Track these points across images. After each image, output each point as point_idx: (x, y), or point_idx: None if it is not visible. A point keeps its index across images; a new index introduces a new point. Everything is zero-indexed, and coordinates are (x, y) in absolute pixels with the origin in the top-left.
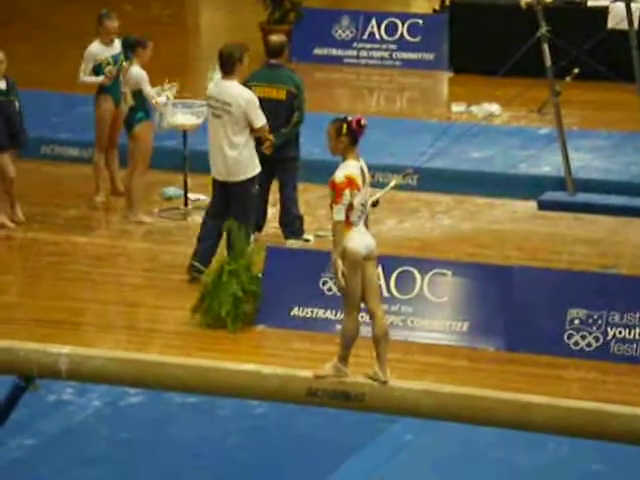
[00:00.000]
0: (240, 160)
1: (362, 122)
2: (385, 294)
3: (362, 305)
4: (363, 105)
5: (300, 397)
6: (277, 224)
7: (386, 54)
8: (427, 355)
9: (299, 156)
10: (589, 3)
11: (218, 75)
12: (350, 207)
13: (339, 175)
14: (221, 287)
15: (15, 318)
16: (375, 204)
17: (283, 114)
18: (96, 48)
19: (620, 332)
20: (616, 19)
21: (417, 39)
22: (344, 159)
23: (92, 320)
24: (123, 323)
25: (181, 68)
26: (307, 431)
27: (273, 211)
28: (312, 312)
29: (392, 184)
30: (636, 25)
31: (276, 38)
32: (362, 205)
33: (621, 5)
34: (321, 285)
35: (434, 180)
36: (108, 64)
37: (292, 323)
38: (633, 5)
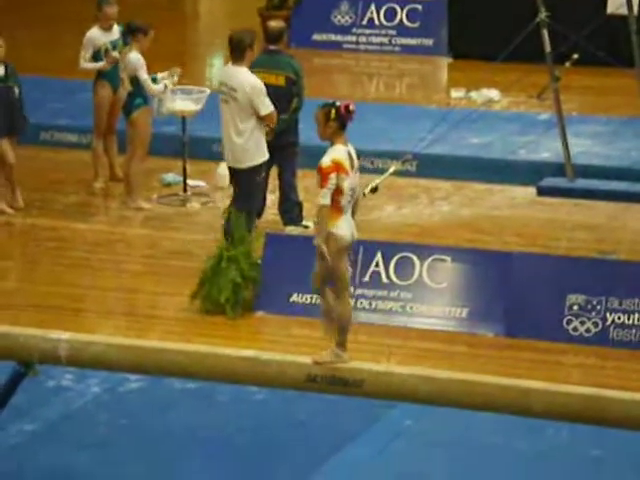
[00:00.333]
0: (246, 147)
1: (350, 107)
2: (384, 280)
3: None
4: (362, 91)
5: (299, 383)
6: (276, 210)
7: (385, 40)
8: (426, 341)
9: (298, 142)
10: None
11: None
12: (340, 191)
13: (326, 160)
14: (220, 273)
15: (14, 304)
16: (374, 190)
17: (282, 100)
18: (95, 34)
19: (619, 318)
20: (615, 4)
21: (416, 25)
22: (332, 144)
23: (91, 306)
24: (122, 309)
25: (180, 54)
26: (306, 417)
27: (272, 197)
28: (311, 298)
29: (391, 170)
30: (635, 10)
31: (275, 24)
32: (351, 190)
33: None
34: None
35: (433, 166)
36: (107, 50)
37: (291, 309)
38: None
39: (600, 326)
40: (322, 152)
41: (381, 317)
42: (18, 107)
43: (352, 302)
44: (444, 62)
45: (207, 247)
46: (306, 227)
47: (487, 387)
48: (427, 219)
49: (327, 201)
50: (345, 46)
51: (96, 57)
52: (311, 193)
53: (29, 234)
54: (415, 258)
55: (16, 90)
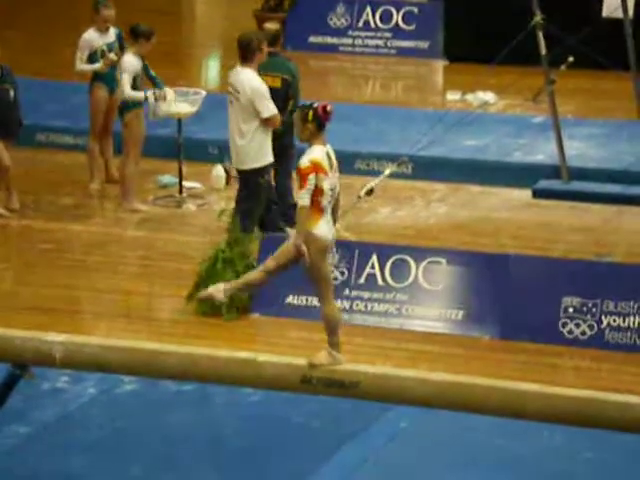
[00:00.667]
0: (248, 149)
1: (328, 108)
2: (380, 282)
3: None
4: (358, 93)
5: (295, 385)
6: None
7: (381, 42)
8: (422, 343)
9: (294, 144)
10: None
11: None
12: (320, 192)
13: (304, 160)
14: (216, 275)
15: (10, 306)
16: (370, 192)
17: (279, 102)
18: (91, 36)
19: (614, 320)
20: (611, 7)
21: (412, 27)
22: (310, 145)
23: (87, 308)
24: (118, 311)
25: (176, 56)
26: (302, 419)
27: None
28: (307, 300)
29: (387, 172)
30: (631, 13)
31: (271, 26)
32: (331, 190)
33: None
34: None
35: (429, 168)
36: (103, 52)
37: (287, 311)
38: None
39: (595, 329)
40: None
41: (377, 319)
42: (13, 109)
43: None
44: (440, 65)
45: (203, 249)
46: None
47: (483, 389)
48: (423, 221)
49: (306, 202)
50: (341, 48)
51: (92, 59)
52: None
53: (25, 236)
54: (411, 260)
55: (11, 92)
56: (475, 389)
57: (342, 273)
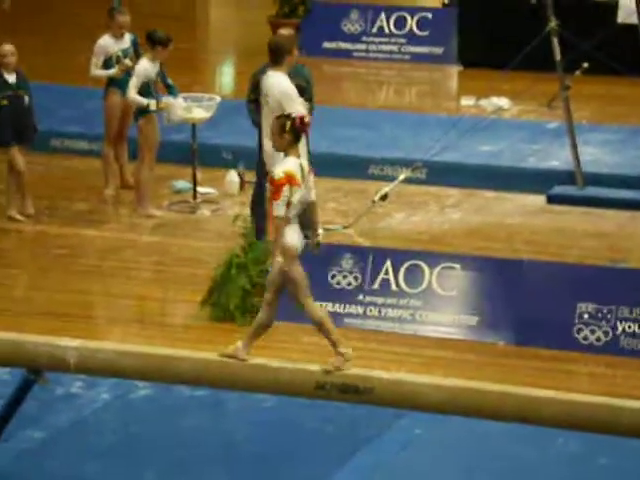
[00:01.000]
0: (274, 151)
1: (305, 119)
2: (394, 288)
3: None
4: (372, 99)
5: (309, 391)
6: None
7: (395, 48)
8: (436, 349)
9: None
10: None
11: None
12: (288, 204)
13: (277, 172)
14: (230, 280)
15: (24, 311)
16: (384, 197)
17: None
18: (106, 42)
19: (629, 326)
20: (626, 13)
21: (426, 33)
22: (286, 155)
23: (101, 313)
24: (132, 316)
25: (190, 62)
26: (316, 425)
27: None
28: (321, 306)
29: (401, 177)
30: None
31: (285, 32)
32: (301, 203)
33: None
34: (330, 279)
35: (443, 174)
36: (118, 58)
37: (301, 317)
38: None
39: (610, 335)
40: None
41: (390, 325)
42: (28, 115)
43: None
44: (454, 70)
45: (217, 254)
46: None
47: (497, 395)
48: (437, 227)
49: (281, 212)
50: (355, 54)
51: (107, 65)
52: (320, 200)
53: (39, 241)
54: (425, 266)
55: (26, 98)
56: (489, 395)
57: (356, 278)
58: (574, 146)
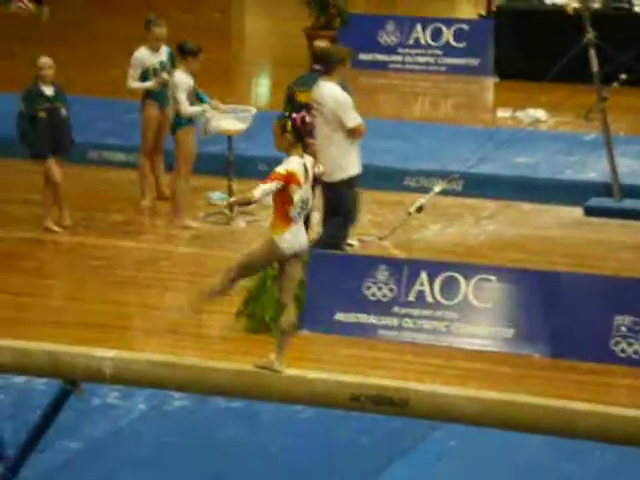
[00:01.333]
0: (334, 161)
1: (306, 119)
2: (429, 300)
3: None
4: (408, 110)
5: (344, 402)
6: (321, 229)
7: (431, 59)
8: (471, 361)
9: None
10: (636, 8)
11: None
12: (290, 202)
13: (280, 168)
14: (265, 292)
15: (61, 322)
16: (420, 209)
17: None
18: (143, 54)
19: None
20: None
21: (462, 44)
22: (288, 155)
23: (137, 324)
24: (167, 327)
25: (226, 74)
26: (350, 437)
27: (317, 216)
28: (356, 317)
29: (437, 189)
30: None
31: (320, 43)
32: (302, 202)
33: None
34: (365, 290)
35: (479, 185)
36: (155, 70)
37: (336, 328)
38: None
39: None
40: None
41: (426, 337)
42: (65, 127)
43: (295, 314)
44: (490, 82)
45: None
46: (350, 245)
47: (533, 408)
48: (473, 238)
49: (257, 196)
50: (391, 66)
51: (144, 77)
52: (361, 211)
53: (76, 252)
54: (460, 277)
55: (63, 111)
56: (525, 408)
57: (391, 290)
58: (611, 158)
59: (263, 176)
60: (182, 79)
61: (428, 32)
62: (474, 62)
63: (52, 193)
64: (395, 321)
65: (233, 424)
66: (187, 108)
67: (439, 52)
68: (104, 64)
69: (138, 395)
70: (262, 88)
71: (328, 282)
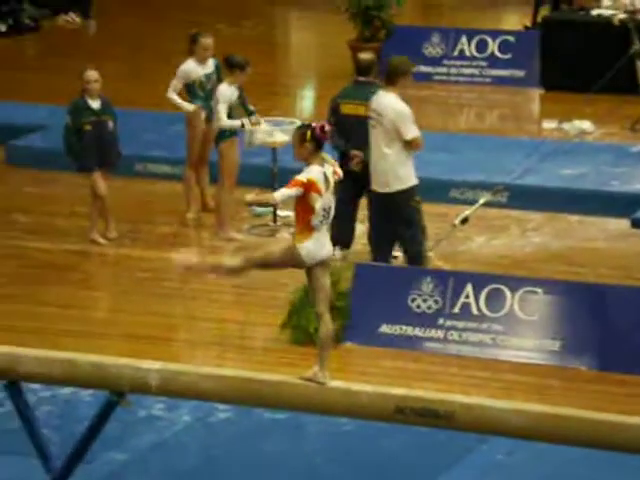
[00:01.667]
0: (392, 172)
1: (325, 128)
2: (475, 312)
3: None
4: (453, 122)
5: (388, 415)
6: (366, 241)
7: (476, 71)
8: (517, 374)
9: None
10: None
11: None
12: (312, 211)
13: (300, 176)
14: (309, 303)
15: (107, 333)
16: (465, 221)
17: (361, 131)
18: (190, 66)
19: None
20: None
21: (508, 56)
22: (308, 164)
23: (182, 336)
24: (213, 339)
25: (270, 86)
26: (395, 449)
27: (362, 228)
28: (401, 329)
29: (482, 201)
30: None
31: (364, 56)
32: (324, 210)
33: None
34: (410, 302)
35: (525, 197)
36: (201, 82)
37: (380, 340)
38: None
39: None
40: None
41: (471, 349)
42: (111, 140)
43: (332, 323)
44: (536, 93)
45: (296, 277)
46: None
47: (580, 422)
48: (518, 250)
49: (278, 198)
50: (436, 77)
51: (190, 89)
52: None
53: (122, 264)
54: (506, 290)
55: (110, 124)
56: (572, 421)
57: (436, 302)
58: None
59: None
60: (225, 92)
61: (473, 44)
62: (519, 74)
63: (97, 206)
64: (440, 333)
65: (277, 436)
66: (225, 120)
67: (484, 64)
68: (149, 77)
69: (183, 407)
70: (306, 100)
71: (373, 294)
